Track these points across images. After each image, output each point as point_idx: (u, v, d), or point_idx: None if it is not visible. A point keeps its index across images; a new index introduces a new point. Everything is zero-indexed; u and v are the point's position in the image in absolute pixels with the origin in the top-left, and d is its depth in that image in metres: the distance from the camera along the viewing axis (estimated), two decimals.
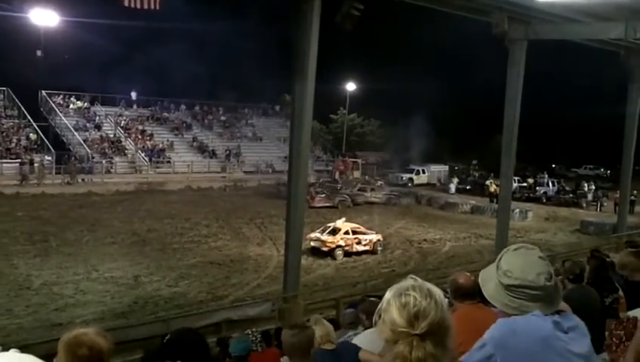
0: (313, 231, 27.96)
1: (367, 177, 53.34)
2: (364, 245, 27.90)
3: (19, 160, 43.04)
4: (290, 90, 20.13)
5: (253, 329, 9.52)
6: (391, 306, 2.17)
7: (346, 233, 27.62)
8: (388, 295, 2.23)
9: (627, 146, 30.73)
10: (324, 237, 27.21)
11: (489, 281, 2.69)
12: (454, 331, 2.22)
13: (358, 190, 44.97)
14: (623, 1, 17.88)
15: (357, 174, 54.93)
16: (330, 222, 29.53)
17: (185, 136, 57.54)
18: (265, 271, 24.03)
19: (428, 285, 2.23)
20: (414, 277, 2.27)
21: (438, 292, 2.21)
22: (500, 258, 2.69)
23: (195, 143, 56.54)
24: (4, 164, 42.72)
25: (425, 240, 31.62)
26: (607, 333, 5.86)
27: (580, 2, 19.21)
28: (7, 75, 49.19)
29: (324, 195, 40.98)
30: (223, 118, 62.84)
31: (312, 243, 27.10)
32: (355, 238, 27.70)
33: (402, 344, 2.11)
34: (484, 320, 3.73)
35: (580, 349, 2.49)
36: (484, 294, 2.71)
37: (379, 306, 2.25)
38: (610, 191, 46.12)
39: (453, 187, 50.39)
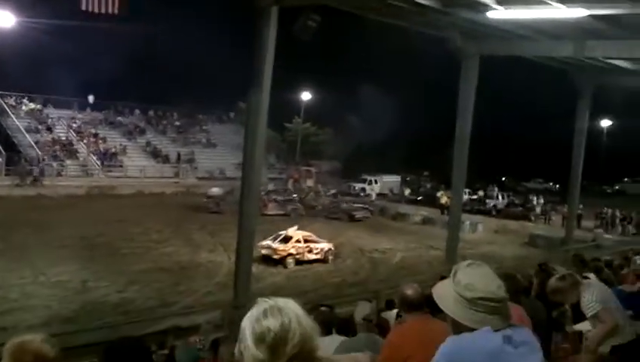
0: (265, 238, 27.80)
1: (320, 186, 53.32)
2: (316, 254, 27.81)
3: None
4: (246, 97, 20.08)
5: (201, 338, 9.42)
6: (248, 340, 2.11)
7: (298, 241, 27.52)
8: (243, 324, 2.16)
9: (575, 161, 31.57)
10: (276, 245, 26.99)
11: (447, 297, 2.67)
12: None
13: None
14: (573, 20, 18.28)
15: (310, 183, 54.80)
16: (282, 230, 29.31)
17: (138, 140, 56.80)
18: (215, 278, 23.81)
19: (279, 303, 2.15)
20: (264, 299, 2.20)
21: (289, 307, 2.15)
22: (455, 273, 2.68)
23: (148, 148, 55.86)
24: None
25: (376, 250, 31.66)
26: (552, 346, 5.97)
27: (531, 19, 19.59)
28: None
29: (276, 203, 40.83)
30: (177, 123, 62.14)
31: (264, 251, 26.74)
32: (307, 247, 27.58)
33: None
34: (433, 331, 3.75)
35: None
36: (444, 310, 2.68)
37: (238, 338, 2.18)
38: (558, 205, 46.93)
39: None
